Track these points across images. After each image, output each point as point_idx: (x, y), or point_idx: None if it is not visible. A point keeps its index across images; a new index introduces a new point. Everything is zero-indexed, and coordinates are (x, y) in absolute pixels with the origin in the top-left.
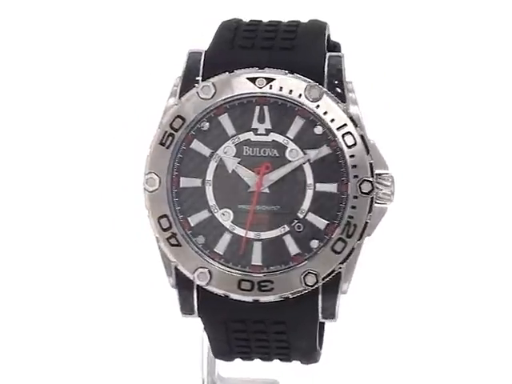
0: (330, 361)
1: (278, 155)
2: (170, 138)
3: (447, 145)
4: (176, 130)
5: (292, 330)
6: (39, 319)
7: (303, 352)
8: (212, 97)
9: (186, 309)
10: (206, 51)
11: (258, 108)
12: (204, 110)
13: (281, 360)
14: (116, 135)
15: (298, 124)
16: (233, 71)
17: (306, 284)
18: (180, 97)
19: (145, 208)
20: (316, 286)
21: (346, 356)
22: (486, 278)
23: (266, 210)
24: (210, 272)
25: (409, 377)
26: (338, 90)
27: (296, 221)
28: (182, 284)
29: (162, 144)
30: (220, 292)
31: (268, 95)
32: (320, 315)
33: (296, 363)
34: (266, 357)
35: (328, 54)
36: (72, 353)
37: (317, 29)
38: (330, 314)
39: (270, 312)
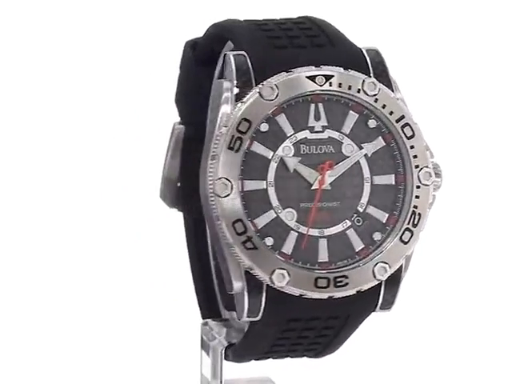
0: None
1: (334, 151)
2: (239, 141)
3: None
4: (243, 133)
5: (345, 324)
6: (34, 316)
7: (336, 345)
8: (276, 98)
9: (253, 312)
10: (247, 53)
11: (313, 106)
12: (269, 112)
13: (292, 357)
14: (116, 136)
15: (351, 119)
16: (288, 71)
17: (379, 276)
18: (237, 100)
19: (215, 214)
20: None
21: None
22: None
23: (328, 206)
24: (287, 272)
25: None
26: (385, 83)
27: (355, 215)
28: (251, 287)
29: (230, 148)
30: (297, 292)
31: (327, 92)
32: (378, 306)
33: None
34: (283, 355)
35: (364, 49)
36: (72, 354)
37: (328, 25)
38: (388, 305)
39: (332, 307)
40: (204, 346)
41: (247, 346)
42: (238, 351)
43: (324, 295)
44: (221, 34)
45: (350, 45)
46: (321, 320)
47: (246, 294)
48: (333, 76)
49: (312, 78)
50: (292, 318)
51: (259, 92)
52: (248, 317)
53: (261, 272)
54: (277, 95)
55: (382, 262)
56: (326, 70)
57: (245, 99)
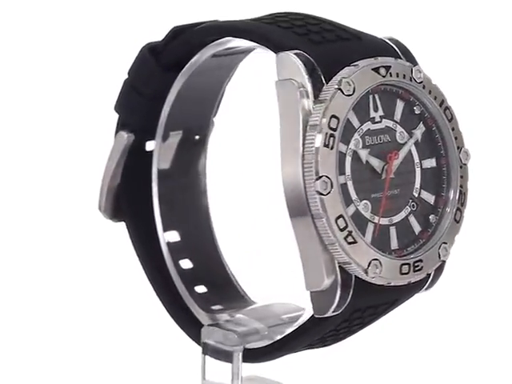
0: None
1: (390, 140)
2: (332, 138)
3: None
4: (334, 130)
5: (388, 309)
6: (37, 320)
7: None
8: (353, 92)
9: (339, 306)
10: (302, 49)
11: (371, 97)
12: (349, 107)
13: (312, 348)
14: None
15: (400, 107)
16: (351, 65)
17: (442, 257)
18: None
19: (316, 212)
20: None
21: None
22: None
23: (392, 194)
24: (379, 262)
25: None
26: None
27: (411, 200)
28: (343, 282)
29: (326, 146)
30: (384, 281)
31: (385, 83)
32: (425, 288)
33: None
34: (308, 348)
35: (386, 39)
36: (72, 357)
37: (328, 19)
38: (432, 285)
39: (391, 293)
40: (215, 351)
41: (296, 343)
42: (278, 350)
43: (405, 281)
44: (203, 38)
45: (371, 36)
46: (373, 307)
47: (338, 288)
48: (390, 66)
49: (376, 70)
50: (357, 309)
51: (339, 88)
52: (333, 312)
53: (357, 265)
54: (353, 90)
55: (443, 242)
56: (383, 60)
57: (327, 96)
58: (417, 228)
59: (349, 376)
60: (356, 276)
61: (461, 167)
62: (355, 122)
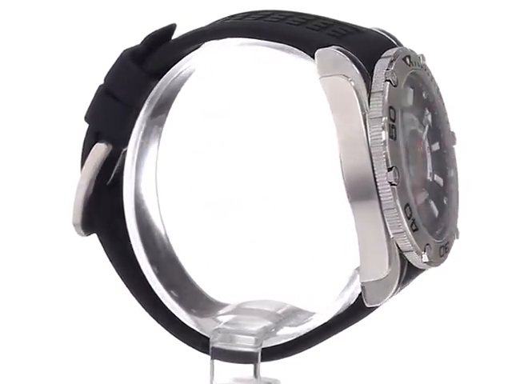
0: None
1: None
2: (393, 129)
3: None
4: (394, 121)
5: (403, 288)
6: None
7: None
8: (397, 83)
9: (395, 293)
10: (339, 45)
11: None
12: (399, 97)
13: None
14: None
15: (411, 93)
16: (381, 57)
17: (456, 236)
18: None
19: (389, 202)
20: None
21: None
22: None
23: None
24: (430, 247)
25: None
26: None
27: (425, 184)
28: (401, 269)
29: (391, 137)
30: (429, 265)
31: (410, 71)
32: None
33: None
34: None
35: (378, 30)
36: (78, 367)
37: (319, 15)
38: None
39: (414, 277)
40: (229, 354)
41: (331, 332)
42: (307, 343)
43: (440, 263)
44: (201, 41)
45: (366, 28)
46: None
47: (398, 276)
48: (410, 56)
49: (404, 60)
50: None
51: (388, 79)
52: (388, 299)
53: (417, 251)
54: (397, 80)
55: (455, 221)
56: (403, 51)
57: (380, 88)
58: (436, 211)
59: (348, 376)
60: (408, 262)
61: (453, 149)
62: None
